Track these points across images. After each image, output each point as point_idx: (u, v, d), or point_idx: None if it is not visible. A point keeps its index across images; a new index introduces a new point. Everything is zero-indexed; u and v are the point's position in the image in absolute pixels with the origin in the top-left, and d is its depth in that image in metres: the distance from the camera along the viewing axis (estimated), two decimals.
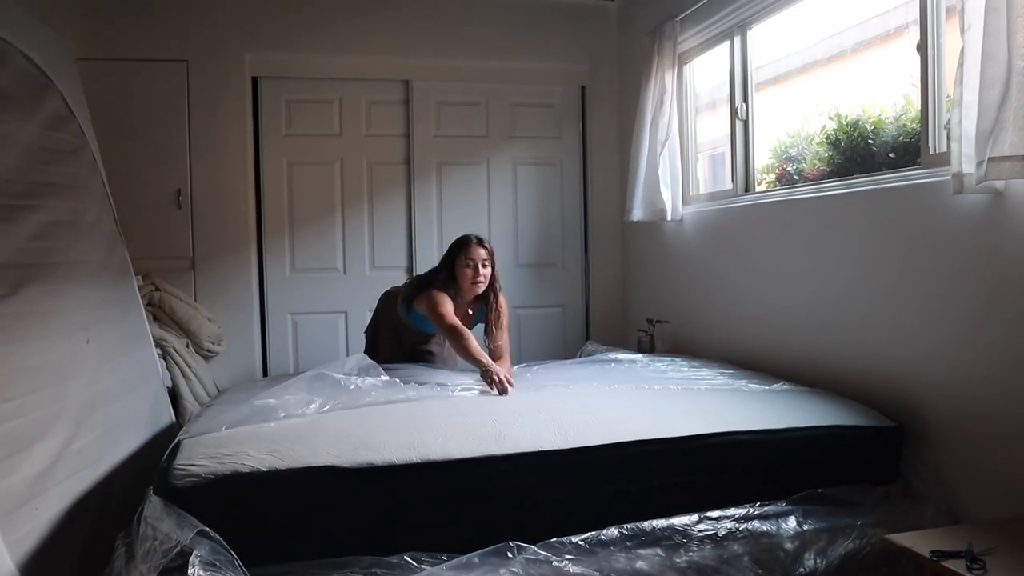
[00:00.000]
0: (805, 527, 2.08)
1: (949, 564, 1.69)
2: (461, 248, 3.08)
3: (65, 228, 2.38)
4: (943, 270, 2.25)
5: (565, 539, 1.93)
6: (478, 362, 2.76)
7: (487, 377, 2.66)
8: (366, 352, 3.28)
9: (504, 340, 3.12)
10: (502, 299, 3.17)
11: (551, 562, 1.87)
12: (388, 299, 3.41)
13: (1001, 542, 1.76)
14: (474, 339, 2.89)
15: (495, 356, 2.96)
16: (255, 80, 4.18)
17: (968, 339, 2.17)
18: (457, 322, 2.93)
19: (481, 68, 4.40)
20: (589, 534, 1.95)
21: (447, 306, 2.98)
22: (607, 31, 4.55)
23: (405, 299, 3.19)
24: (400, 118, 4.37)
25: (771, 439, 2.21)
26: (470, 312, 3.17)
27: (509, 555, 1.86)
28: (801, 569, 2.01)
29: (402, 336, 3.30)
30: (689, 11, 3.62)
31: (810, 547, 2.04)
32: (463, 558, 1.85)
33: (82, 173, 2.60)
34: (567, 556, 1.90)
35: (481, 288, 3.09)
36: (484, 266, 3.06)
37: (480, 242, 3.10)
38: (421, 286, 3.13)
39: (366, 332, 3.53)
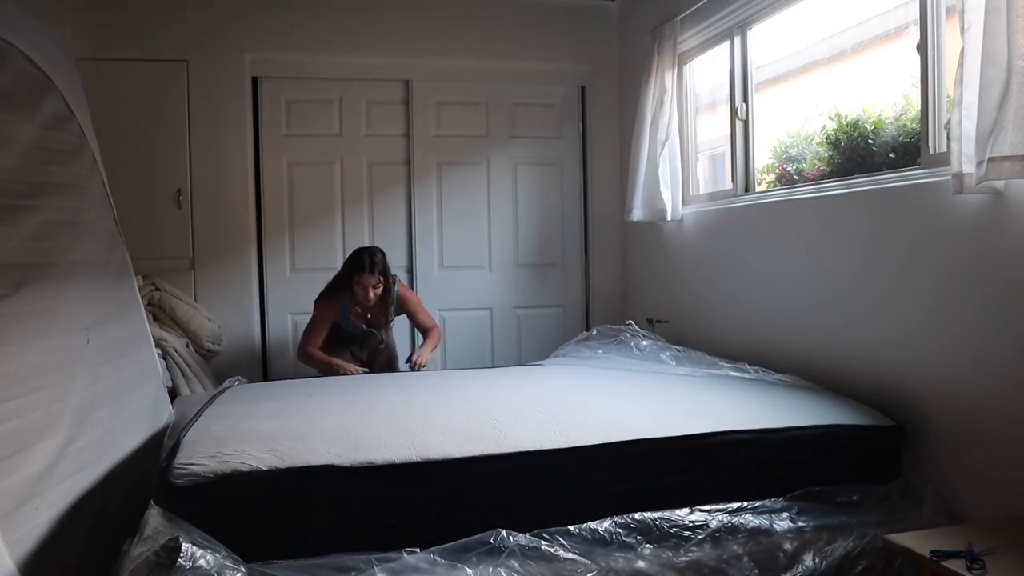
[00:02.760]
0: (804, 526, 2.07)
1: (949, 564, 1.69)
2: (354, 273, 3.50)
3: (65, 228, 2.38)
4: (943, 270, 2.25)
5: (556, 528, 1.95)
6: (336, 368, 3.43)
7: (342, 371, 3.40)
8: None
9: (422, 320, 3.75)
10: (402, 297, 3.70)
11: (540, 546, 1.88)
12: None
13: (1001, 542, 1.76)
14: (317, 354, 3.51)
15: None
16: (255, 80, 4.18)
17: (968, 338, 2.17)
18: (310, 351, 3.52)
19: (481, 68, 4.40)
20: (584, 525, 1.96)
21: (316, 334, 3.56)
22: (607, 31, 4.55)
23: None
24: (400, 118, 4.37)
25: (771, 438, 2.21)
26: (368, 316, 3.65)
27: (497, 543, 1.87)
28: (800, 569, 2.00)
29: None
30: (689, 11, 3.62)
31: (809, 547, 2.04)
32: (454, 544, 1.86)
33: (82, 173, 2.59)
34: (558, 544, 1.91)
35: (370, 304, 3.57)
36: (375, 287, 3.50)
37: (372, 267, 3.48)
38: (326, 289, 3.64)
39: None
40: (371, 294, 3.49)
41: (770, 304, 3.10)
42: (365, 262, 3.48)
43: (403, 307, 3.72)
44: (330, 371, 3.44)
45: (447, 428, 2.12)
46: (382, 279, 3.51)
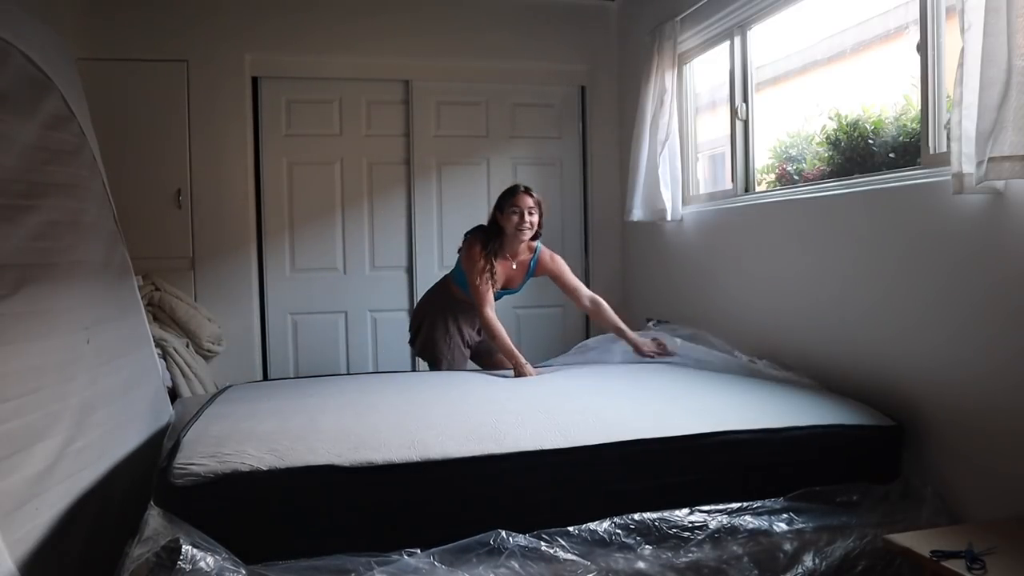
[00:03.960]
0: (804, 527, 2.07)
1: (949, 564, 1.69)
2: (507, 197, 3.15)
3: (65, 228, 2.38)
4: (943, 270, 2.25)
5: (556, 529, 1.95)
6: (514, 358, 2.98)
7: (523, 372, 2.93)
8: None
9: (576, 283, 3.35)
10: (544, 259, 3.30)
11: (540, 547, 1.89)
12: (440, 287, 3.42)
13: (1001, 542, 1.76)
14: (503, 332, 3.05)
15: (598, 309, 3.29)
16: (255, 80, 4.18)
17: (969, 338, 2.17)
18: (495, 322, 3.05)
19: (481, 68, 4.40)
20: (583, 525, 1.96)
21: (488, 288, 3.08)
22: (607, 31, 4.55)
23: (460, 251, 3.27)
24: (400, 118, 4.37)
25: (771, 438, 2.21)
26: (513, 267, 3.24)
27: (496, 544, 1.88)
28: (800, 569, 2.00)
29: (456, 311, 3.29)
30: (689, 11, 3.62)
31: (809, 547, 2.04)
32: (454, 545, 1.86)
33: (82, 173, 2.60)
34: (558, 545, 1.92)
35: (527, 235, 3.14)
36: (531, 213, 3.11)
37: (527, 190, 3.16)
38: (471, 232, 3.23)
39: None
40: (526, 220, 3.09)
41: (770, 304, 3.10)
42: (519, 185, 3.18)
43: (546, 268, 3.29)
44: (506, 361, 3.05)
45: (447, 428, 2.12)
46: (539, 206, 3.14)
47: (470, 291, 3.13)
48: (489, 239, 3.15)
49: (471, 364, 3.46)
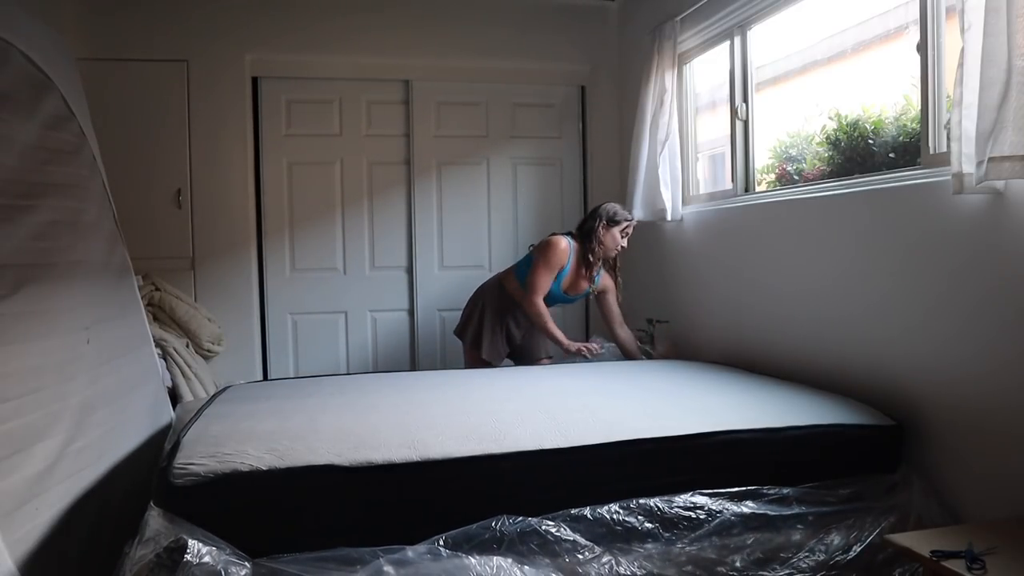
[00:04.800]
0: (803, 524, 2.08)
1: (949, 564, 1.69)
2: (623, 221, 3.49)
3: (65, 228, 2.38)
4: (943, 270, 2.25)
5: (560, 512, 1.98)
6: (557, 340, 3.38)
7: (570, 350, 3.35)
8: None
9: (617, 308, 3.66)
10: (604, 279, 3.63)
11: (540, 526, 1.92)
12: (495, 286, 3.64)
13: (1001, 542, 1.76)
14: (547, 316, 3.36)
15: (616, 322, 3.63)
16: (255, 80, 4.18)
17: (969, 338, 2.17)
18: (541, 306, 3.34)
19: (481, 68, 4.40)
20: (586, 507, 1.99)
21: (547, 281, 3.37)
22: (607, 31, 4.55)
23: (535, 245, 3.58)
24: (400, 118, 4.37)
25: (771, 438, 2.21)
26: (580, 281, 3.55)
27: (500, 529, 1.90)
28: (799, 565, 2.01)
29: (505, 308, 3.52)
30: (689, 11, 3.62)
31: (808, 544, 2.04)
32: (458, 531, 1.88)
33: (82, 173, 2.60)
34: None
35: (614, 255, 3.56)
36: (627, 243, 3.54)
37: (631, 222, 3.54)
38: (557, 232, 3.53)
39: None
40: (623, 248, 3.52)
41: (770, 304, 3.10)
42: (630, 214, 3.51)
43: (604, 282, 3.61)
44: (559, 344, 3.42)
45: (447, 428, 2.12)
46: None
47: (528, 277, 3.38)
48: (584, 243, 3.46)
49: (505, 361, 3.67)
